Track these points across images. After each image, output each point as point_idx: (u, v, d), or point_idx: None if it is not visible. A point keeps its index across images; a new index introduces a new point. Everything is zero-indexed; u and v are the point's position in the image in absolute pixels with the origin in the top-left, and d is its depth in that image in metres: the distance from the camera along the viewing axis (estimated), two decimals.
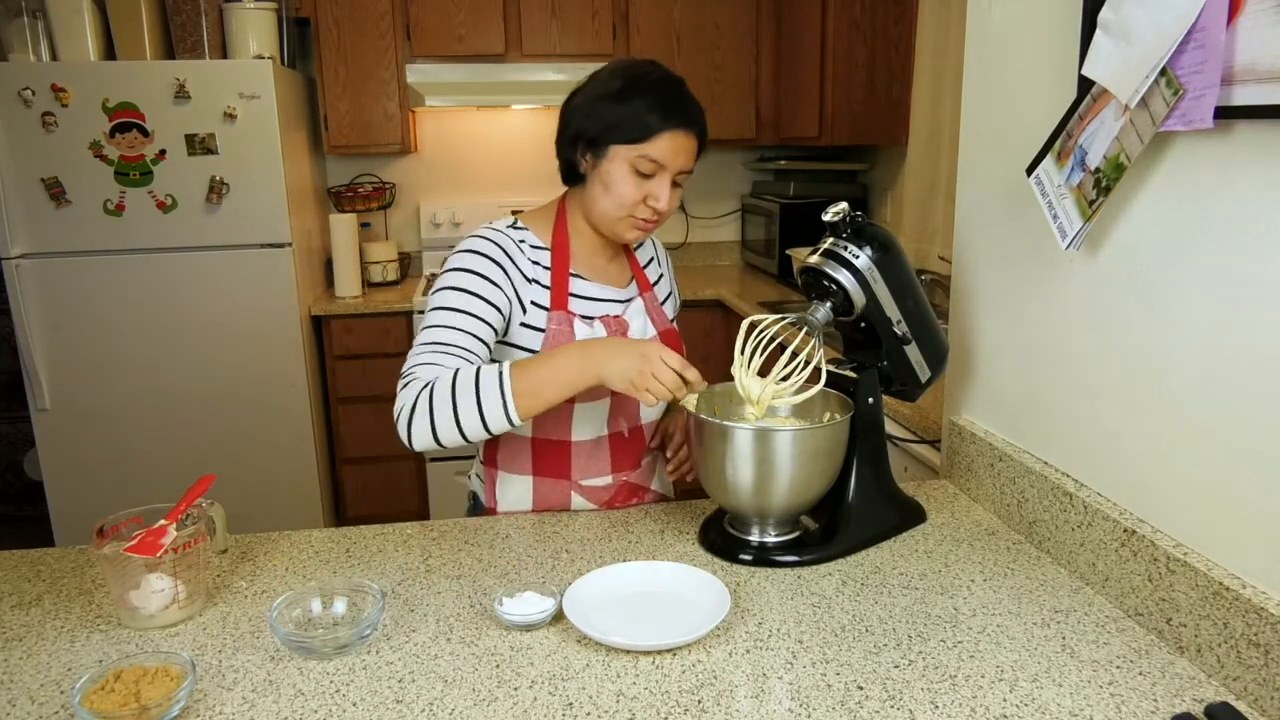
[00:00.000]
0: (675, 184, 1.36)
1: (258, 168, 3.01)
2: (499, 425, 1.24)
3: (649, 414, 1.49)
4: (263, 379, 3.15)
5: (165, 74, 2.90)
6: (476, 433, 1.25)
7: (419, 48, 3.44)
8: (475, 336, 1.32)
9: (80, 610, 1.17)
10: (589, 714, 0.94)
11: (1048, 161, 1.19)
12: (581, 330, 1.39)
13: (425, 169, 3.87)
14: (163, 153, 2.95)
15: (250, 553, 1.33)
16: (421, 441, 1.27)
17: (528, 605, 1.11)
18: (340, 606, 1.12)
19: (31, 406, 3.04)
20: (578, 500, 1.47)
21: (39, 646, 1.09)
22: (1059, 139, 1.17)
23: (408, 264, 3.79)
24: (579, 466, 1.45)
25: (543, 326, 1.38)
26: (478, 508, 1.55)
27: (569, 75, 3.53)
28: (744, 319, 1.32)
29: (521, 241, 1.40)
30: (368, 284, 3.56)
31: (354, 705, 0.96)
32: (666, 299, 1.55)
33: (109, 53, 3.05)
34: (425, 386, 1.26)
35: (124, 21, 3.01)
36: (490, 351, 1.35)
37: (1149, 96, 1.01)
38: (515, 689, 0.98)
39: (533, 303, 1.38)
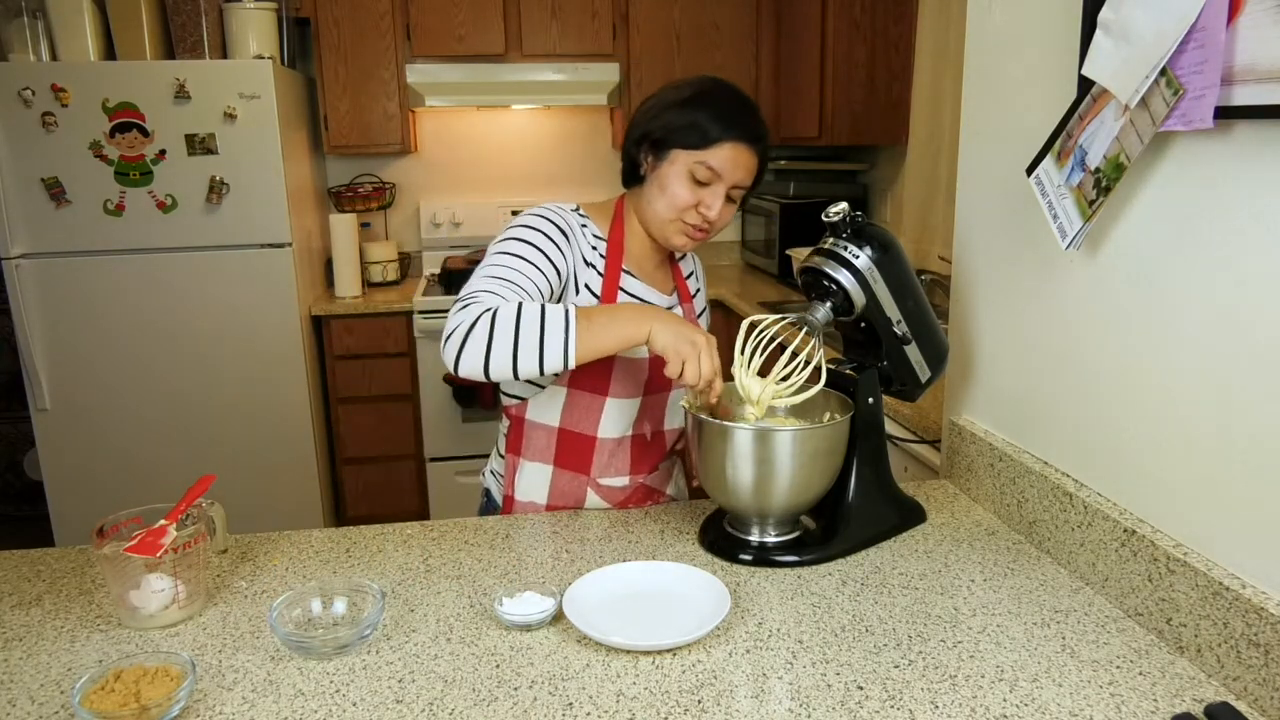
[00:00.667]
0: (731, 199, 1.38)
1: (258, 168, 3.01)
2: (554, 363, 1.20)
3: (674, 420, 1.50)
4: (263, 379, 3.15)
5: (165, 74, 2.90)
6: (529, 368, 1.19)
7: (419, 48, 3.44)
8: (534, 283, 1.30)
9: (80, 610, 1.17)
10: (589, 714, 0.94)
11: (1048, 161, 1.19)
12: None
13: (425, 169, 3.87)
14: (163, 153, 2.95)
15: (250, 553, 1.33)
16: (469, 366, 1.20)
17: (528, 605, 1.11)
18: (340, 606, 1.12)
19: (31, 406, 3.04)
20: (592, 498, 1.48)
21: (39, 646, 1.09)
22: (1059, 139, 1.17)
23: (408, 264, 3.79)
24: (599, 464, 1.46)
25: None
26: (490, 504, 1.57)
27: (569, 75, 3.54)
28: (744, 319, 1.32)
29: (584, 226, 1.42)
30: (368, 284, 3.57)
31: (354, 705, 0.96)
32: (702, 314, 1.58)
33: (109, 53, 3.06)
34: (487, 311, 1.20)
35: (124, 21, 3.01)
36: (544, 293, 1.33)
37: (1149, 96, 1.01)
38: (515, 689, 0.98)
39: (585, 285, 1.40)
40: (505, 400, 1.49)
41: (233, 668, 1.03)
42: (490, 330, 1.18)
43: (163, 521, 1.15)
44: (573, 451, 1.46)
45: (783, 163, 3.78)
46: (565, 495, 1.48)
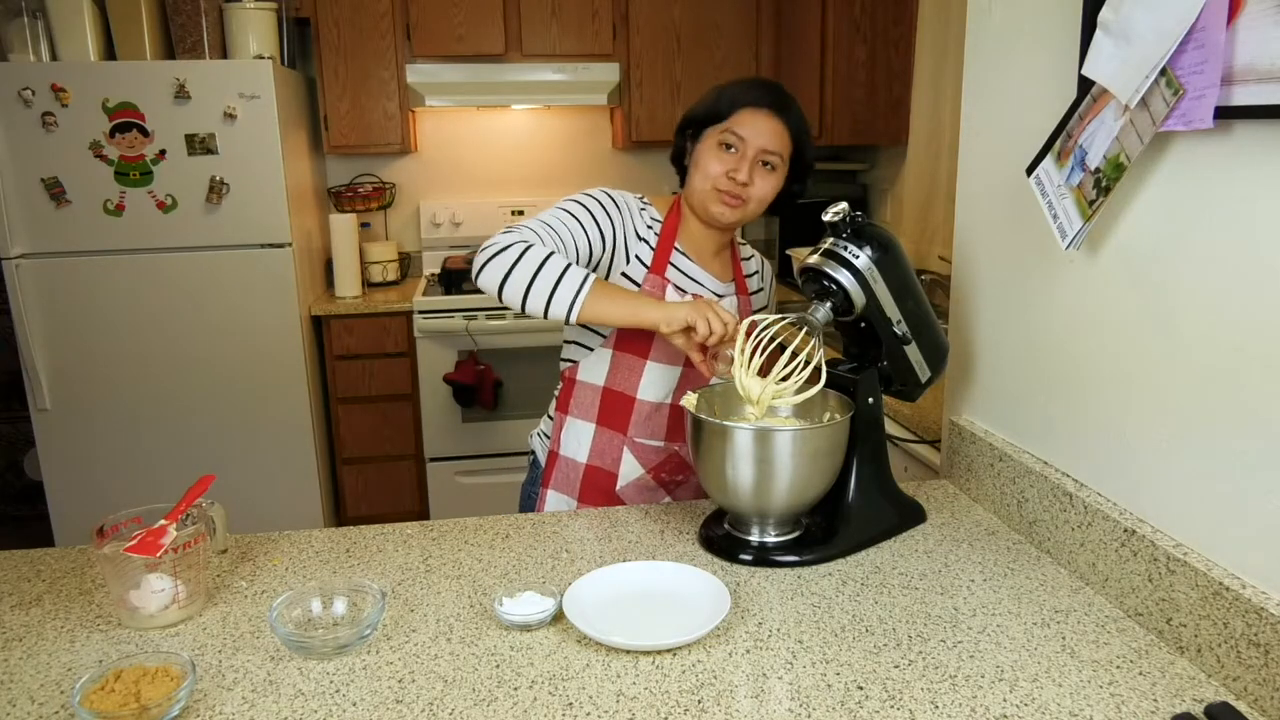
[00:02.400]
0: (765, 163, 1.47)
1: (258, 168, 3.01)
2: (558, 312, 1.34)
3: None
4: (263, 379, 3.15)
5: (165, 74, 2.90)
6: (536, 307, 1.34)
7: (419, 48, 3.44)
8: (575, 241, 1.44)
9: (80, 610, 1.17)
10: (589, 714, 0.94)
11: (1048, 161, 1.19)
12: (672, 296, 1.49)
13: (425, 169, 3.87)
14: (163, 153, 2.95)
15: (250, 553, 1.33)
16: (488, 281, 1.36)
17: (528, 605, 1.11)
18: (340, 606, 1.12)
19: (31, 406, 3.04)
20: (628, 458, 1.55)
21: (39, 646, 1.09)
22: (1059, 139, 1.17)
23: (408, 264, 3.79)
24: (636, 424, 1.54)
25: (639, 282, 1.50)
26: (535, 468, 1.67)
27: (569, 75, 3.53)
28: (744, 319, 1.32)
29: (644, 209, 1.55)
30: (368, 284, 3.57)
31: (354, 705, 0.96)
32: (762, 309, 1.65)
33: (109, 53, 3.05)
34: (522, 243, 1.36)
35: (124, 21, 3.01)
36: (585, 254, 1.47)
37: (1149, 96, 1.01)
38: (515, 689, 0.98)
39: (636, 257, 1.51)
40: (562, 365, 1.62)
41: (233, 668, 1.03)
42: (517, 260, 1.34)
43: (163, 521, 1.15)
44: (614, 411, 1.55)
45: None
46: (603, 454, 1.55)
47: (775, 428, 1.23)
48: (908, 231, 2.96)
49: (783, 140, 1.47)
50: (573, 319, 1.34)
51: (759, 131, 1.45)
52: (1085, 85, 1.12)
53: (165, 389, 3.10)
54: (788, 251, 3.35)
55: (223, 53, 3.17)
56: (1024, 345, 1.36)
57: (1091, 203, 1.11)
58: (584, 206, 1.48)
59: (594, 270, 1.48)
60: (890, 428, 1.98)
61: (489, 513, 1.52)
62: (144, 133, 2.92)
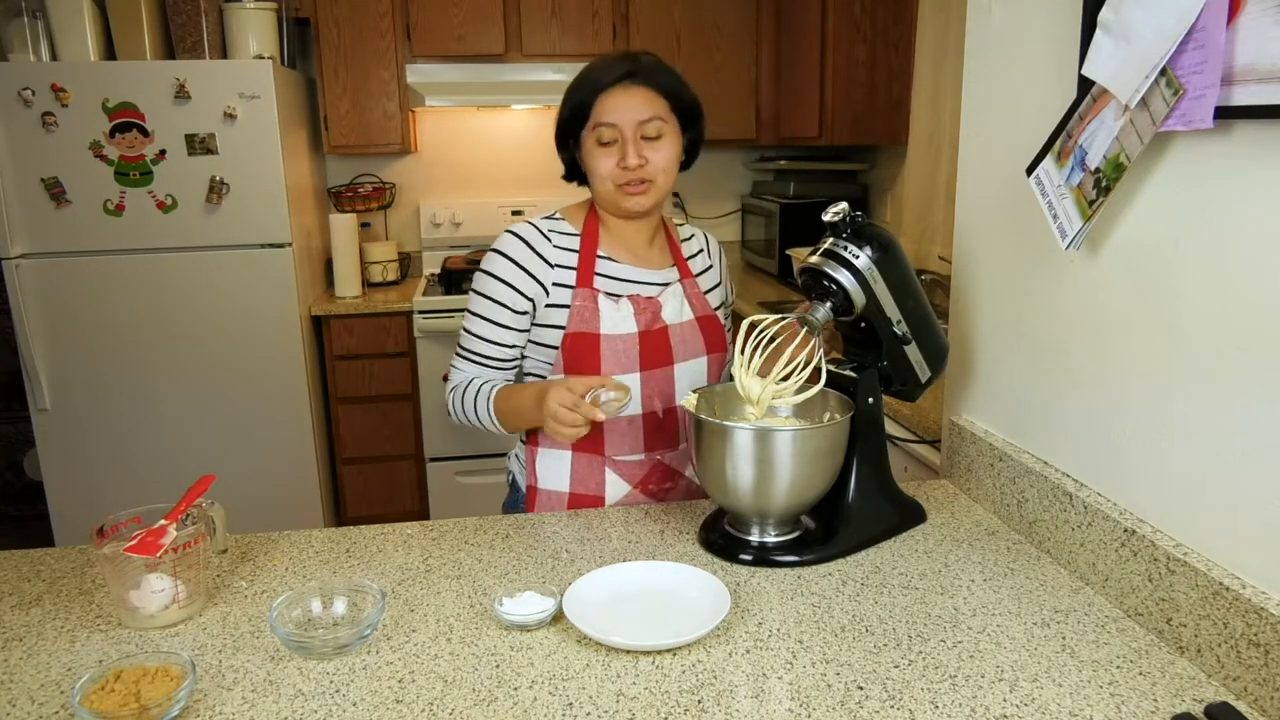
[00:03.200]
0: (648, 136, 1.41)
1: (258, 168, 3.01)
2: (499, 432, 1.48)
3: (684, 395, 1.49)
4: (263, 379, 3.15)
5: (165, 74, 2.90)
6: (492, 430, 1.48)
7: (419, 48, 3.44)
8: (497, 343, 1.49)
9: (80, 610, 1.17)
10: (589, 714, 0.94)
11: (1048, 161, 1.19)
12: (606, 305, 1.46)
13: (425, 169, 3.87)
14: (163, 153, 2.95)
15: (250, 553, 1.33)
16: (459, 427, 1.54)
17: (528, 605, 1.11)
18: (340, 606, 1.12)
19: (31, 406, 3.04)
20: (611, 478, 1.50)
21: (39, 646, 1.09)
22: (1059, 139, 1.17)
23: (408, 264, 3.79)
24: (612, 443, 1.50)
25: (568, 303, 1.46)
26: (515, 490, 1.61)
27: (569, 75, 3.49)
28: (744, 319, 1.32)
29: (551, 230, 1.50)
30: (368, 284, 3.57)
31: (354, 705, 0.96)
32: (713, 289, 1.60)
33: (109, 53, 3.05)
34: (452, 391, 1.51)
35: (124, 21, 3.01)
36: (524, 336, 1.50)
37: (1149, 96, 1.01)
38: (515, 689, 0.98)
39: (555, 284, 1.47)
40: None
41: (233, 668, 1.03)
42: (455, 412, 1.51)
43: (163, 521, 1.15)
44: (586, 434, 1.48)
45: (783, 163, 3.78)
46: (585, 480, 1.51)
47: (775, 428, 1.23)
48: (908, 231, 2.96)
49: (653, 102, 1.41)
50: (509, 432, 1.48)
51: (624, 108, 1.39)
52: (1085, 85, 1.12)
53: (165, 389, 3.10)
54: (788, 251, 3.35)
55: (223, 53, 3.17)
56: (1024, 345, 1.36)
57: (1091, 203, 1.11)
58: (491, 298, 1.47)
59: (531, 318, 1.49)
60: (890, 428, 1.98)
61: (489, 513, 1.52)
62: (144, 133, 2.92)
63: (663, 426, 1.52)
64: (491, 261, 1.48)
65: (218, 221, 3.03)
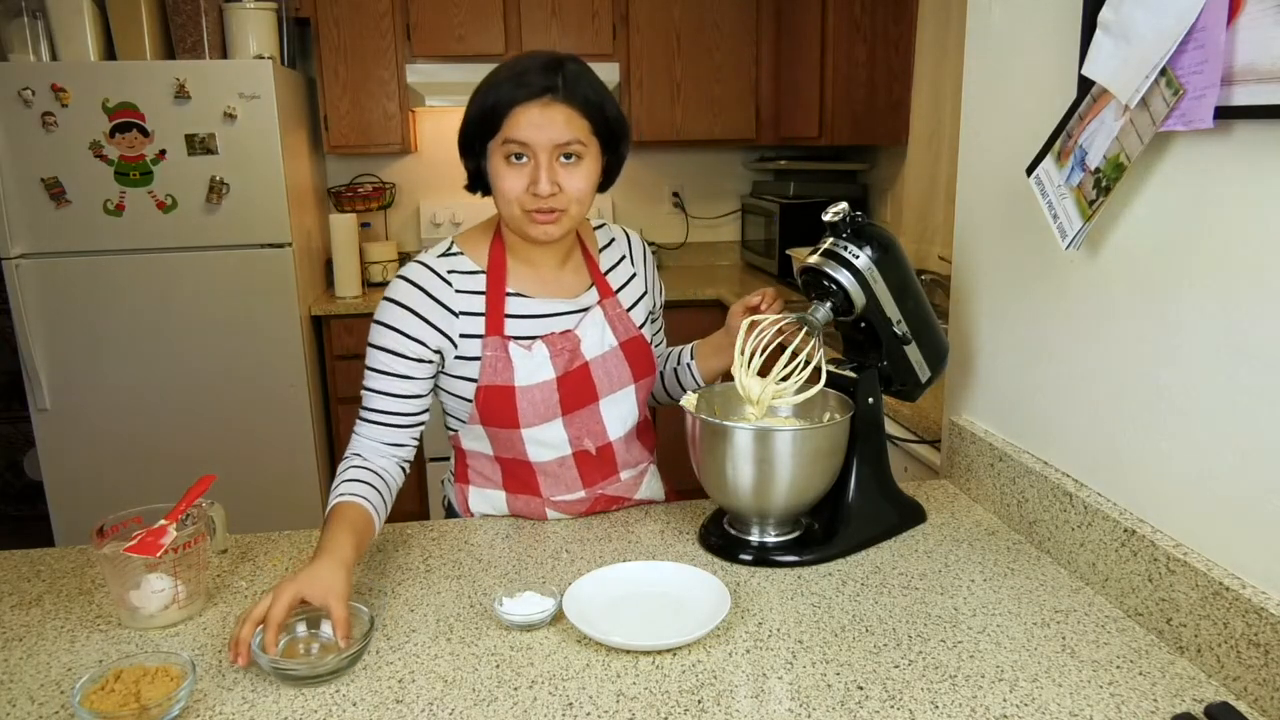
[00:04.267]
0: (568, 158, 1.25)
1: (258, 168, 3.01)
2: None
3: (616, 431, 1.41)
4: (263, 379, 3.15)
5: (165, 74, 2.90)
6: None
7: (419, 48, 3.44)
8: (403, 396, 1.32)
9: (80, 610, 1.17)
10: (589, 714, 0.94)
11: (1048, 161, 1.19)
12: (518, 354, 1.32)
13: (425, 169, 3.87)
14: (163, 153, 2.95)
15: (250, 553, 1.33)
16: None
17: (528, 605, 1.11)
18: (328, 630, 1.05)
19: (31, 406, 3.04)
20: (554, 515, 1.43)
21: (39, 646, 1.09)
22: (1059, 139, 1.17)
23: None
24: (547, 485, 1.41)
25: (478, 355, 1.32)
26: (453, 515, 1.50)
27: None
28: (744, 319, 1.32)
29: (450, 271, 1.33)
30: (368, 284, 3.57)
31: (354, 705, 0.96)
32: (638, 301, 1.45)
33: (109, 53, 3.06)
34: (343, 461, 1.35)
35: (124, 21, 3.01)
36: (430, 385, 1.35)
37: (1149, 96, 1.01)
38: (515, 689, 0.98)
39: (462, 335, 1.32)
40: (446, 430, 1.46)
41: (233, 667, 1.03)
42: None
43: (163, 521, 1.15)
44: (517, 475, 1.41)
45: (783, 163, 3.78)
46: (526, 513, 1.43)
47: (775, 428, 1.23)
48: (908, 231, 2.96)
49: (573, 123, 1.23)
50: None
51: (541, 127, 1.22)
52: (1085, 85, 1.12)
53: (165, 389, 3.10)
54: (788, 251, 3.35)
55: (223, 53, 3.17)
56: (1024, 345, 1.36)
57: (1091, 203, 1.11)
58: (389, 351, 1.30)
59: (434, 369, 1.33)
60: (890, 428, 1.98)
61: None
62: (144, 133, 2.92)
63: (597, 463, 1.41)
64: (387, 312, 1.30)
65: (218, 221, 3.03)
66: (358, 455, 1.34)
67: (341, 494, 1.25)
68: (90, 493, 3.11)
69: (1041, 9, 1.27)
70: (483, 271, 1.34)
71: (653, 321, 1.52)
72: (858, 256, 1.26)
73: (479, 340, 1.32)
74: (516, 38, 3.49)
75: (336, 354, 3.33)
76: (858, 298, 1.27)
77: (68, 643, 1.09)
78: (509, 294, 1.34)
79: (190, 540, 1.13)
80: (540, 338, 1.34)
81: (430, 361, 1.32)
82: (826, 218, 1.29)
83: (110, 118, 2.89)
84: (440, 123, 3.83)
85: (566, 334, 1.36)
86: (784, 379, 1.27)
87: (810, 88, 3.32)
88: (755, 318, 1.31)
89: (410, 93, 3.46)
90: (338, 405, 3.37)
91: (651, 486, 1.52)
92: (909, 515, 1.37)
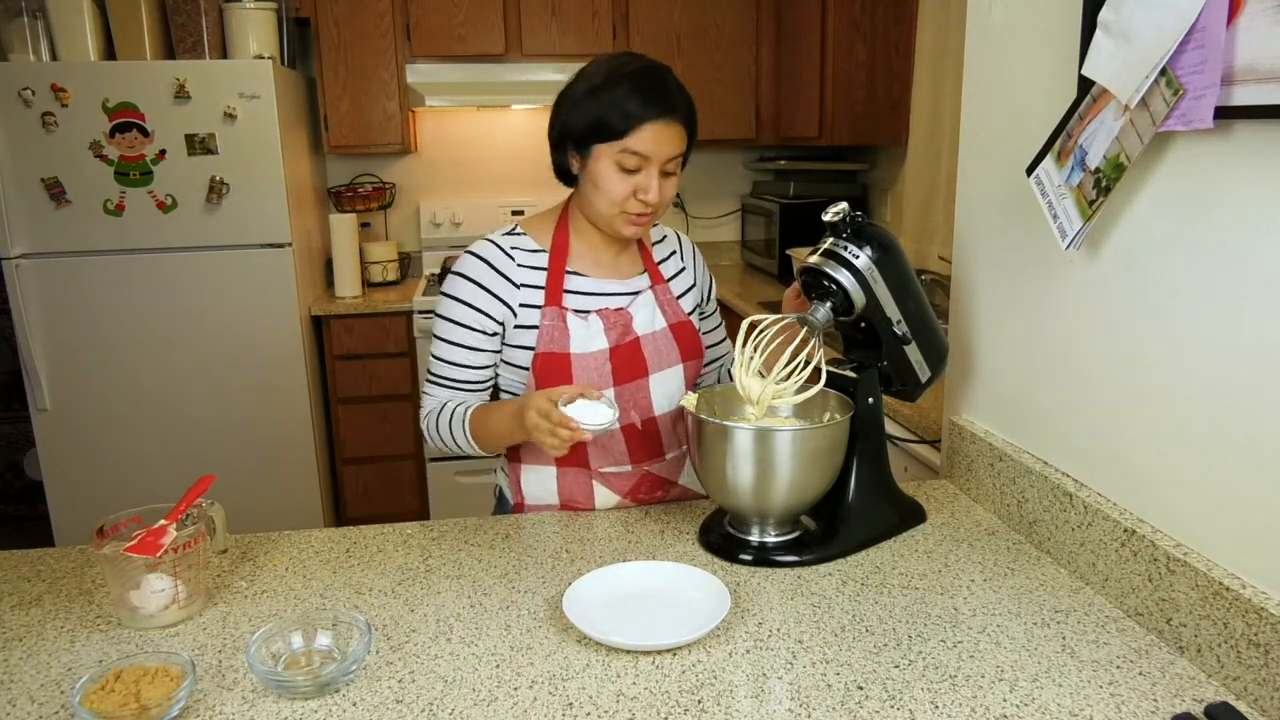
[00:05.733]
0: (668, 173, 1.36)
1: (258, 168, 3.01)
2: (478, 454, 1.45)
3: (663, 406, 1.48)
4: (263, 379, 3.15)
5: (165, 74, 2.90)
6: (471, 453, 1.45)
7: (419, 48, 3.44)
8: (467, 366, 1.45)
9: (80, 610, 1.17)
10: (589, 714, 0.94)
11: (1048, 161, 1.19)
12: (575, 323, 1.41)
13: (425, 169, 3.87)
14: (163, 153, 2.95)
15: (250, 553, 1.33)
16: (438, 453, 1.46)
17: (586, 414, 1.15)
18: (324, 640, 1.04)
19: (31, 406, 3.04)
20: (600, 490, 1.48)
21: (39, 646, 1.09)
22: (1059, 139, 1.17)
23: (408, 264, 3.79)
24: (595, 455, 1.47)
25: (537, 324, 1.42)
26: (504, 504, 1.56)
27: (569, 75, 3.52)
28: (744, 319, 1.32)
29: (514, 248, 1.44)
30: (368, 284, 3.57)
31: (354, 705, 0.96)
32: (687, 291, 1.55)
33: (109, 53, 3.05)
34: (426, 416, 1.47)
35: (124, 21, 3.01)
36: (490, 367, 1.46)
37: (1149, 96, 1.01)
38: (515, 689, 0.98)
39: (522, 304, 1.42)
40: None
41: (233, 668, 1.03)
42: (432, 437, 1.47)
43: (163, 521, 1.15)
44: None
45: (783, 163, 3.78)
46: (573, 493, 1.48)
47: (775, 428, 1.23)
48: (908, 231, 2.96)
49: (681, 140, 1.35)
50: (487, 452, 1.44)
51: (662, 143, 1.32)
52: (1085, 85, 1.12)
53: (165, 389, 3.10)
54: (788, 251, 3.35)
55: (223, 53, 3.17)
56: (1024, 345, 1.36)
57: (1091, 203, 1.11)
58: (456, 322, 1.42)
59: (499, 340, 1.44)
60: (890, 428, 1.98)
61: (489, 513, 1.52)
62: (144, 133, 2.92)
63: (645, 438, 1.48)
64: (454, 285, 1.43)
65: (218, 221, 3.03)
66: (440, 406, 1.46)
67: (467, 407, 1.42)
68: (90, 493, 3.11)
69: (1041, 9, 1.27)
70: (544, 250, 1.45)
71: (704, 317, 1.61)
72: (858, 256, 1.26)
73: (538, 310, 1.42)
74: (516, 38, 3.49)
75: (336, 354, 3.33)
76: (858, 298, 1.27)
77: (68, 643, 1.09)
78: (568, 272, 1.45)
79: (190, 540, 1.13)
80: (595, 311, 1.44)
81: (495, 333, 1.43)
82: (826, 218, 1.29)
83: (110, 118, 2.89)
84: (440, 123, 3.84)
85: (620, 310, 1.45)
86: (784, 379, 1.27)
87: (810, 88, 3.32)
88: (755, 317, 1.31)
89: (410, 93, 3.46)
90: (338, 405, 3.37)
91: (691, 477, 1.56)
92: (909, 515, 1.37)
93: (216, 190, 3.00)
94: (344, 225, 3.37)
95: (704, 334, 1.60)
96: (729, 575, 1.22)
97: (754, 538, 1.28)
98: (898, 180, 3.34)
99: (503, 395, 1.51)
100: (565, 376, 1.41)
